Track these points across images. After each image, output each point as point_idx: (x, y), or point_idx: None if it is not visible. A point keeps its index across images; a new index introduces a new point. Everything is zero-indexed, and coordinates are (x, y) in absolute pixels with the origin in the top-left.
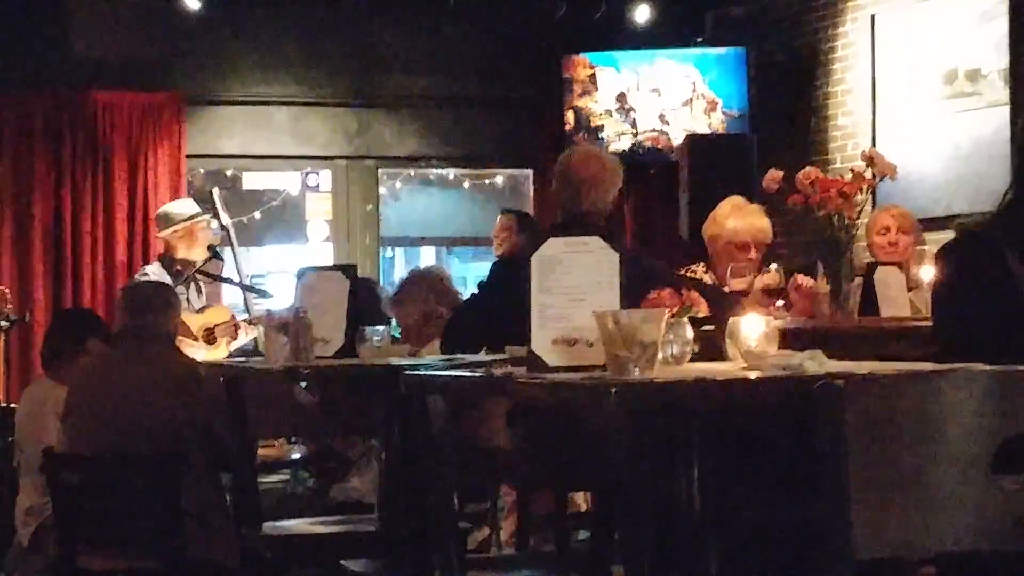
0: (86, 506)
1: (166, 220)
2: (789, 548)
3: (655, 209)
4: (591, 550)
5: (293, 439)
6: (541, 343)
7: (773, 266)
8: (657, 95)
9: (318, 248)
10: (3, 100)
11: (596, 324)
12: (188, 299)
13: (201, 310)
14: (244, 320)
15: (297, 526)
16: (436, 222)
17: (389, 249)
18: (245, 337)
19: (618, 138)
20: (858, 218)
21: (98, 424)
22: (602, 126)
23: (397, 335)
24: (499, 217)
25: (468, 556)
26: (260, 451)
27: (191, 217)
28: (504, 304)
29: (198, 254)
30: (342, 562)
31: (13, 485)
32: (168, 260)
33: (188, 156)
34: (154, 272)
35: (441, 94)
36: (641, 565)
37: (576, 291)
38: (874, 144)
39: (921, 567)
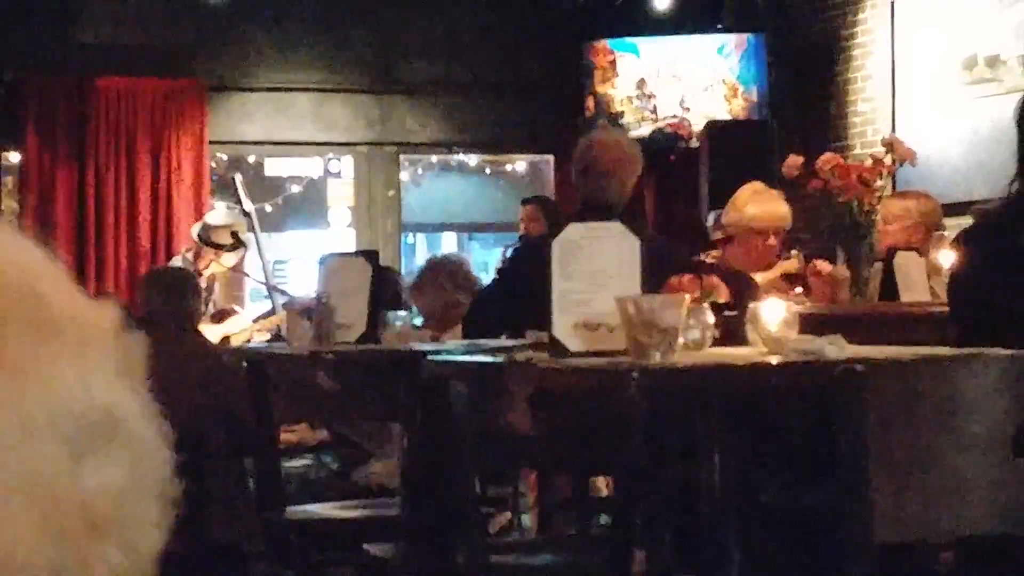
0: None
1: (204, 230)
2: (809, 532)
3: (676, 195)
4: (611, 534)
5: (316, 424)
6: (562, 328)
7: (793, 252)
8: (677, 81)
9: (340, 234)
10: (26, 87)
11: (617, 309)
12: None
13: (219, 317)
14: (259, 320)
15: (319, 510)
16: (457, 208)
17: (411, 235)
18: (258, 339)
19: (638, 124)
20: (878, 203)
21: None
22: (622, 112)
23: (419, 323)
24: (523, 207)
25: (490, 540)
26: (283, 436)
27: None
28: (524, 289)
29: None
30: (364, 546)
31: None
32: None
33: (210, 143)
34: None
35: (462, 80)
36: (662, 548)
37: (597, 276)
38: (893, 130)
39: (941, 552)
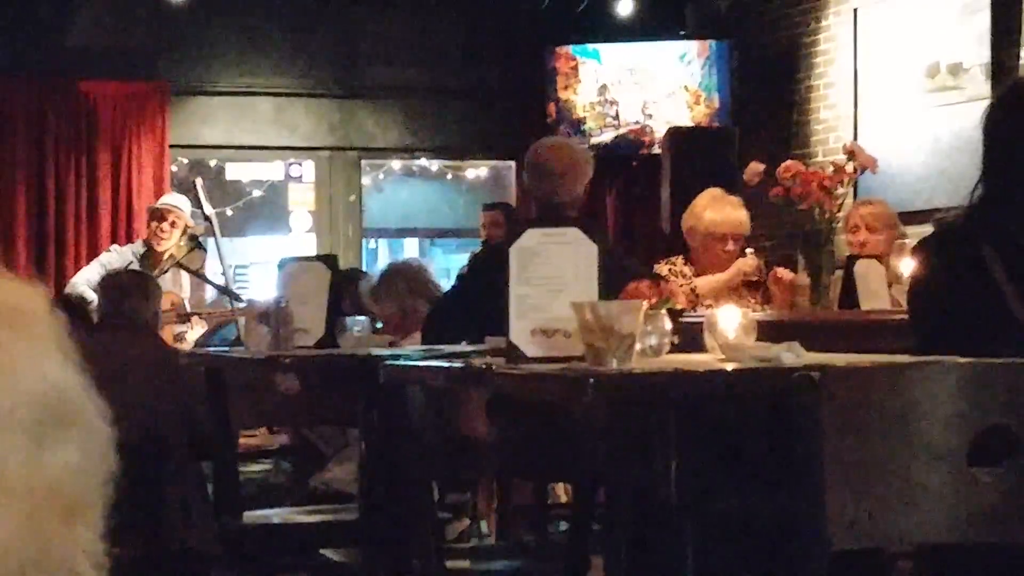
0: None
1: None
2: (766, 538)
3: (638, 202)
4: (570, 541)
5: (275, 428)
6: (519, 334)
7: (749, 251)
8: (640, 88)
9: (301, 239)
10: None
11: (574, 315)
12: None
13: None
14: (202, 312)
15: (277, 515)
16: (419, 213)
17: (373, 240)
18: (191, 332)
19: (600, 130)
20: (839, 211)
21: None
22: (584, 118)
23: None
24: (483, 213)
25: (449, 546)
26: (242, 440)
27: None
28: (484, 295)
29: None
30: (322, 551)
31: None
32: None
33: (172, 146)
34: (116, 249)
35: (424, 85)
36: (619, 555)
37: (554, 282)
38: (856, 137)
39: (898, 560)
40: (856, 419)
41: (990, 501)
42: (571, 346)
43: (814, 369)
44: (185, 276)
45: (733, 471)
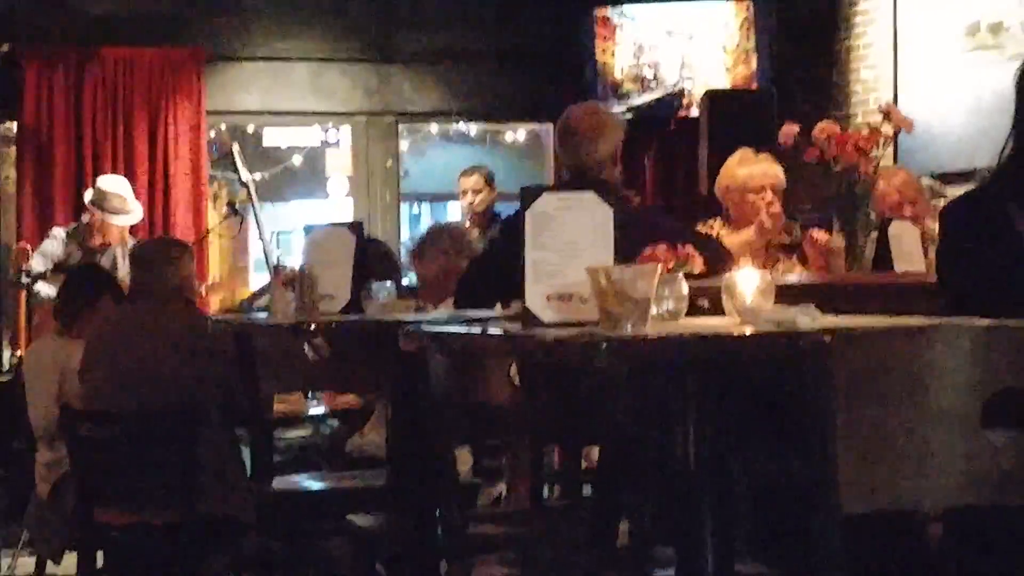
0: (103, 461)
1: (98, 197)
2: (782, 501)
3: (675, 164)
4: (596, 505)
5: (310, 394)
6: (535, 299)
7: (791, 222)
8: (678, 49)
9: (339, 204)
10: (24, 57)
11: (589, 279)
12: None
13: None
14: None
15: (307, 481)
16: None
17: (416, 204)
18: None
19: (638, 93)
20: (875, 173)
21: (114, 380)
22: (622, 80)
23: (415, 288)
24: (464, 177)
25: (481, 511)
26: (278, 406)
27: (111, 211)
28: (515, 259)
29: (113, 238)
30: (348, 517)
31: (34, 440)
32: (81, 231)
33: (208, 112)
34: (58, 236)
35: (460, 49)
36: (642, 518)
37: (570, 246)
38: (895, 98)
39: (929, 525)
40: (868, 382)
41: (1003, 464)
42: (587, 311)
43: (826, 332)
44: None
45: (748, 436)
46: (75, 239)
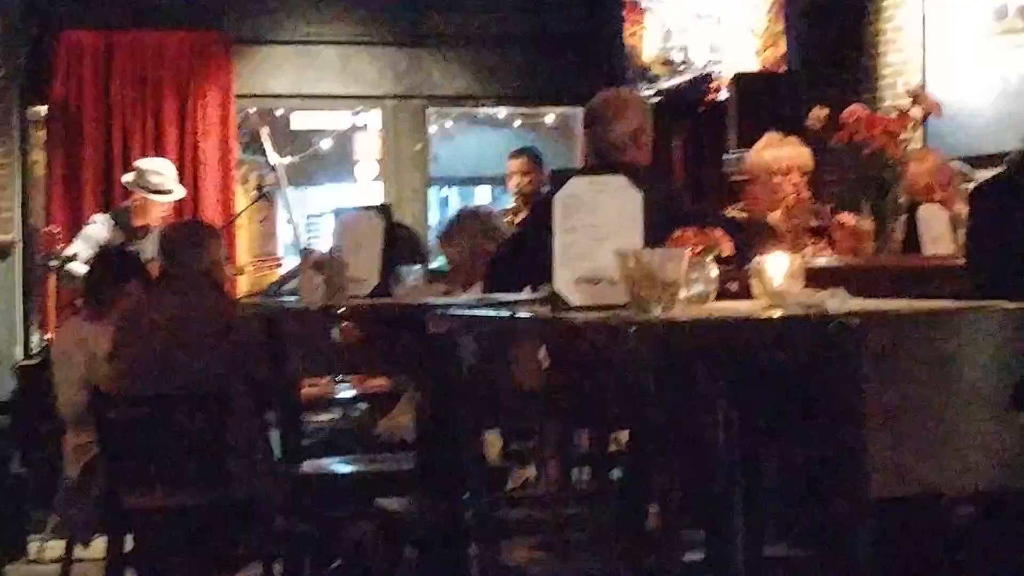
0: (132, 445)
1: (139, 177)
2: (812, 485)
3: (704, 148)
4: (626, 488)
5: (339, 378)
6: (564, 282)
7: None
8: (707, 32)
9: (368, 188)
10: (53, 41)
11: (618, 263)
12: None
13: None
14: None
15: (336, 464)
16: (487, 161)
17: (444, 188)
18: None
19: (668, 75)
20: (903, 156)
21: (142, 364)
22: (651, 63)
23: (444, 271)
24: (512, 159)
25: (510, 495)
26: (307, 390)
27: (153, 191)
28: (545, 243)
29: (153, 220)
30: (376, 500)
31: (63, 424)
32: (124, 214)
33: (237, 96)
34: (101, 221)
35: (489, 33)
36: (671, 501)
37: (599, 230)
38: (924, 82)
39: (958, 506)
40: (896, 365)
41: None
42: (615, 294)
43: (855, 316)
44: None
45: (779, 418)
46: (117, 222)
